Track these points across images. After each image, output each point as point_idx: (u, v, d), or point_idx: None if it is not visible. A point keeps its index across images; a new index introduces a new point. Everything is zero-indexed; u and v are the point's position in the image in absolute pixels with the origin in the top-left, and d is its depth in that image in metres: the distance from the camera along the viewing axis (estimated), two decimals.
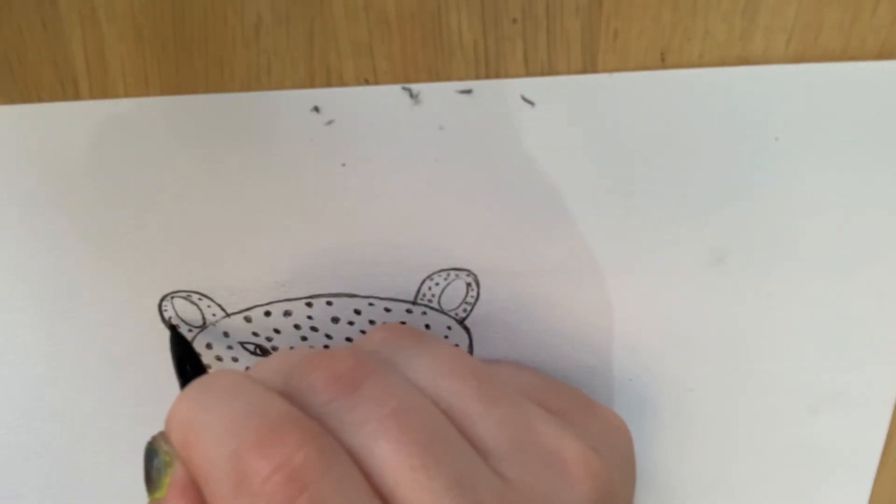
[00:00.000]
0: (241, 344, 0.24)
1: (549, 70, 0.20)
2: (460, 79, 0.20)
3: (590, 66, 0.20)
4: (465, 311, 0.23)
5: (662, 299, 0.23)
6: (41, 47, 0.20)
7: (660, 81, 0.20)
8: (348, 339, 0.24)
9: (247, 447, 0.15)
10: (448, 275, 0.23)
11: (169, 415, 0.17)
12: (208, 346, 0.24)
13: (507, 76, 0.20)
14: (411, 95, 0.20)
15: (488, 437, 0.17)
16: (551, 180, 0.21)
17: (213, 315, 0.24)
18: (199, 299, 0.23)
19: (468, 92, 0.20)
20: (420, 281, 0.23)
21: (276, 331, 0.24)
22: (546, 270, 0.23)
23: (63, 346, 0.24)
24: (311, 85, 0.20)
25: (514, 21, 0.20)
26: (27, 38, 0.20)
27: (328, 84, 0.20)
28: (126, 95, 0.21)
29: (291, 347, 0.24)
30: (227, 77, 0.20)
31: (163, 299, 0.23)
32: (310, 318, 0.24)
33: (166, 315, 0.24)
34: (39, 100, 0.21)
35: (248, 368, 0.25)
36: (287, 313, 0.23)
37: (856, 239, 0.22)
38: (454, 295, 0.23)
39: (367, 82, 0.20)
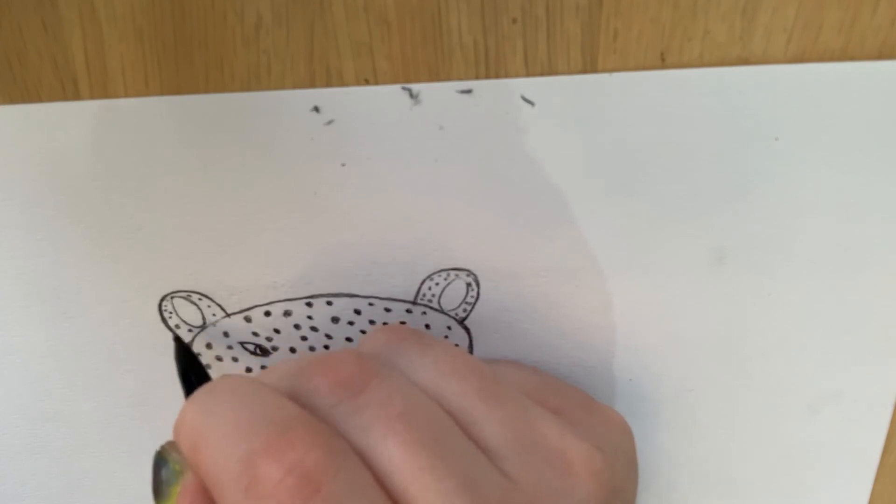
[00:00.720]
0: (241, 344, 0.24)
1: (549, 70, 0.20)
2: (460, 79, 0.20)
3: (590, 66, 0.20)
4: (465, 311, 0.23)
5: (662, 299, 0.23)
6: (41, 47, 0.20)
7: (660, 81, 0.20)
8: (348, 339, 0.24)
9: (257, 450, 0.15)
10: (448, 275, 0.23)
11: (177, 422, 0.17)
12: (208, 345, 0.24)
13: (507, 76, 0.20)
14: (411, 95, 0.20)
15: (492, 438, 0.17)
16: (551, 180, 0.21)
17: (213, 315, 0.24)
18: (199, 299, 0.23)
19: (468, 92, 0.20)
20: (420, 281, 0.23)
21: (276, 331, 0.24)
22: (546, 270, 0.23)
23: (63, 346, 0.24)
24: (311, 85, 0.20)
25: (514, 21, 0.20)
26: (27, 38, 0.20)
27: (328, 84, 0.20)
28: (126, 95, 0.21)
29: (292, 349, 0.24)
30: (227, 77, 0.20)
31: (163, 299, 0.23)
32: (310, 318, 0.24)
33: (167, 316, 0.24)
34: (39, 100, 0.21)
35: (248, 370, 0.25)
36: (287, 313, 0.23)
37: (856, 239, 0.22)
38: (454, 295, 0.23)
39: (367, 82, 0.20)
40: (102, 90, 0.21)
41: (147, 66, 0.20)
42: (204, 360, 0.24)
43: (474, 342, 0.24)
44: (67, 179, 0.22)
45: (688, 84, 0.20)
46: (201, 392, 0.17)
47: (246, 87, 0.21)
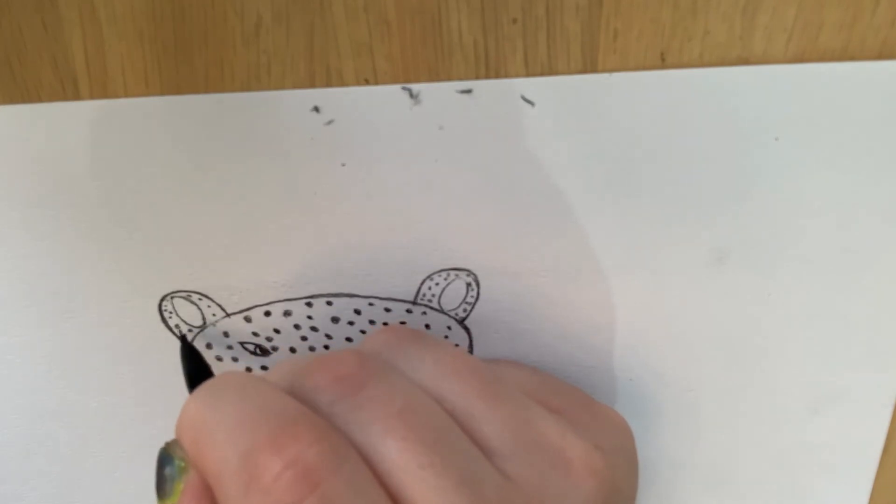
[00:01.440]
0: (241, 344, 0.24)
1: (549, 70, 0.20)
2: (460, 79, 0.20)
3: (590, 66, 0.20)
4: (465, 311, 0.23)
5: (663, 299, 0.23)
6: (41, 47, 0.20)
7: (660, 81, 0.20)
8: (348, 339, 0.24)
9: (258, 445, 0.15)
10: (448, 275, 0.23)
11: (179, 418, 0.17)
12: (208, 345, 0.24)
13: (507, 76, 0.20)
14: (411, 95, 0.20)
15: (492, 437, 0.17)
16: (551, 180, 0.21)
17: (213, 315, 0.24)
18: (199, 299, 0.23)
19: (468, 92, 0.20)
20: (420, 281, 0.23)
21: (276, 331, 0.24)
22: (546, 270, 0.23)
23: (63, 346, 0.24)
24: (311, 85, 0.20)
25: (514, 21, 0.20)
26: (27, 38, 0.20)
27: (328, 84, 0.20)
28: (126, 95, 0.21)
29: (292, 349, 0.24)
30: (227, 77, 0.20)
31: (163, 299, 0.23)
32: (310, 318, 0.24)
33: (167, 316, 0.24)
34: (39, 100, 0.21)
35: (248, 370, 0.25)
36: (287, 313, 0.23)
37: (856, 239, 0.22)
38: (454, 295, 0.23)
39: (367, 82, 0.20)
40: (102, 90, 0.21)
41: (147, 66, 0.20)
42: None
43: (474, 342, 0.24)
44: (67, 179, 0.22)
45: (688, 84, 0.20)
46: (204, 388, 0.17)
47: (246, 87, 0.21)
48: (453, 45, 0.20)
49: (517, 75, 0.20)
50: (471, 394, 0.18)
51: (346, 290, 0.23)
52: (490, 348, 0.24)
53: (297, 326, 0.24)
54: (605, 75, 0.20)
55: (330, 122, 0.21)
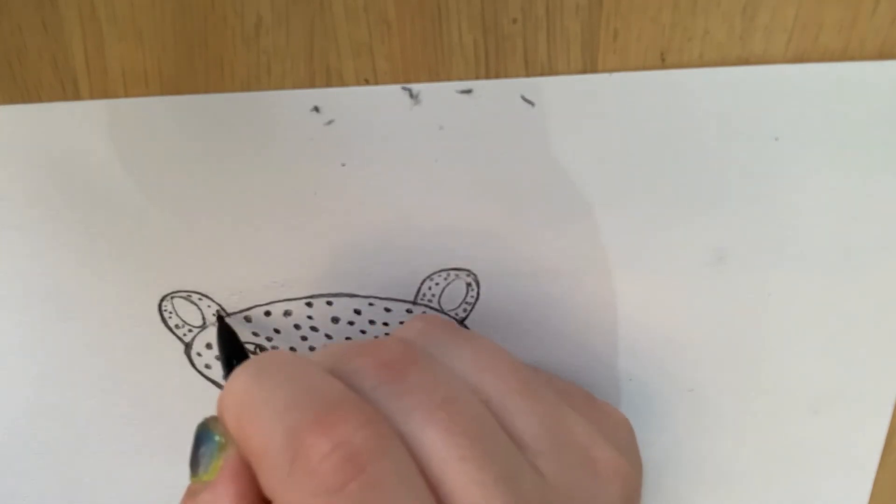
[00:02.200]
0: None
1: (549, 70, 0.20)
2: (460, 79, 0.20)
3: (590, 66, 0.20)
4: (465, 311, 0.23)
5: (663, 299, 0.23)
6: (41, 47, 0.20)
7: (660, 81, 0.20)
8: (348, 339, 0.24)
9: (306, 424, 0.15)
10: (448, 275, 0.23)
11: (222, 394, 0.17)
12: (208, 345, 0.24)
13: (507, 76, 0.20)
14: (411, 95, 0.20)
15: (527, 433, 0.17)
16: (551, 180, 0.21)
17: (214, 315, 0.24)
18: (199, 299, 0.23)
19: (468, 92, 0.20)
20: (420, 281, 0.23)
21: (276, 331, 0.24)
22: (546, 270, 0.23)
23: (63, 346, 0.24)
24: (311, 85, 0.20)
25: (514, 21, 0.20)
26: (27, 38, 0.20)
27: (328, 84, 0.20)
28: (126, 95, 0.21)
29: (292, 349, 0.24)
30: (227, 77, 0.20)
31: (163, 299, 0.23)
32: (310, 318, 0.24)
33: (167, 316, 0.24)
34: (39, 100, 0.21)
35: None
36: (287, 313, 0.23)
37: (856, 239, 0.22)
38: (454, 295, 0.23)
39: (367, 82, 0.20)
40: (102, 90, 0.21)
41: (147, 66, 0.20)
42: (204, 360, 0.24)
43: None
44: (67, 179, 0.22)
45: (688, 84, 0.20)
46: (249, 364, 0.17)
47: (246, 87, 0.21)
48: (453, 45, 0.20)
49: (517, 75, 0.20)
50: (507, 388, 0.18)
51: (346, 290, 0.23)
52: None
53: (297, 326, 0.24)
54: (605, 75, 0.20)
55: (330, 122, 0.21)
